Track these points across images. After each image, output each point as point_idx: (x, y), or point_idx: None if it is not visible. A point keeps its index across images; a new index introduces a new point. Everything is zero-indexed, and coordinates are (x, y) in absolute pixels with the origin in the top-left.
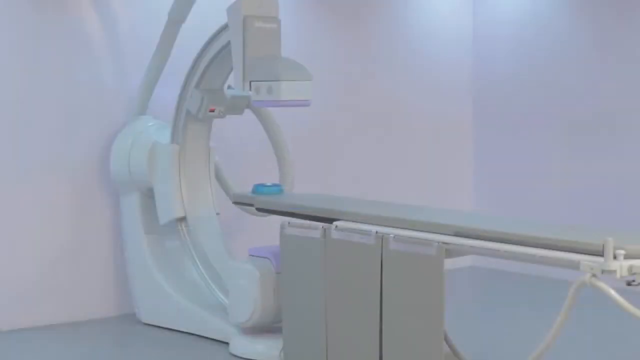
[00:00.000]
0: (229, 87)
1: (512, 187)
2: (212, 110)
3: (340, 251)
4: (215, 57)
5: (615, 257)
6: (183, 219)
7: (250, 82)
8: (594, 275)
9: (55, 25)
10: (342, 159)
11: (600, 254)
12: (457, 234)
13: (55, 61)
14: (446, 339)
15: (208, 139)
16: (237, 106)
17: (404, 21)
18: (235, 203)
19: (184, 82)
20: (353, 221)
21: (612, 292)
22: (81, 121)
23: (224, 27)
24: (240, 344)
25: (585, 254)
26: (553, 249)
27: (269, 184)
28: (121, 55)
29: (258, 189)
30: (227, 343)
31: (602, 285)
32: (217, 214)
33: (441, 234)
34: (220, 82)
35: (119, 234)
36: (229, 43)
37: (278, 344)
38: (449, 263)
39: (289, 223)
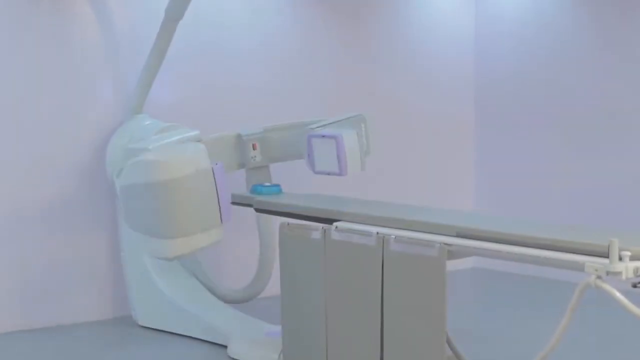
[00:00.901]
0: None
1: (514, 187)
2: (255, 147)
3: (340, 252)
4: (296, 127)
5: (620, 259)
6: None
7: (325, 126)
8: (599, 277)
9: (51, 23)
10: None
11: (605, 255)
12: (459, 235)
13: (50, 59)
14: (448, 342)
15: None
16: (261, 177)
17: (405, 19)
18: (234, 203)
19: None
20: (353, 222)
21: (618, 294)
22: (77, 120)
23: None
24: (238, 347)
25: (589, 255)
26: (557, 250)
27: (267, 184)
28: (117, 53)
29: (257, 189)
30: (225, 346)
31: (608, 287)
32: None
33: (443, 234)
34: (276, 152)
35: (116, 235)
36: (313, 122)
37: (277, 347)
38: (451, 264)
39: (288, 224)
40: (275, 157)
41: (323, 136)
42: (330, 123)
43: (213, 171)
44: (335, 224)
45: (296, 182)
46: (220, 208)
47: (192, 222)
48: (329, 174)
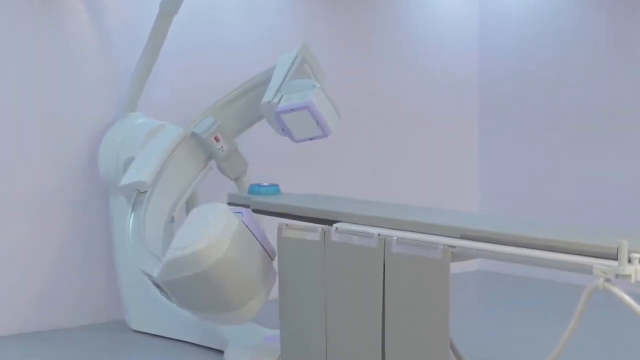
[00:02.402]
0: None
1: (520, 187)
2: (218, 140)
3: (340, 254)
4: (246, 93)
5: (630, 261)
6: (143, 195)
7: (282, 95)
8: (607, 280)
9: (44, 19)
10: (343, 159)
11: (614, 257)
12: (464, 237)
13: (42, 56)
14: (452, 347)
15: (204, 163)
16: (234, 163)
17: (407, 17)
18: (230, 204)
19: (204, 111)
20: (354, 223)
21: (627, 298)
22: (69, 118)
23: (269, 70)
24: (236, 353)
25: (598, 257)
26: (564, 253)
27: (265, 184)
28: (111, 49)
29: (254, 189)
30: (222, 352)
31: (617, 290)
32: (173, 217)
33: (447, 236)
34: (238, 125)
35: (110, 237)
36: (263, 83)
37: (275, 353)
38: (455, 267)
39: (287, 225)
40: (239, 131)
41: (293, 110)
42: (282, 84)
43: (246, 224)
44: (335, 225)
45: (295, 183)
46: (266, 251)
47: (253, 283)
48: (312, 139)
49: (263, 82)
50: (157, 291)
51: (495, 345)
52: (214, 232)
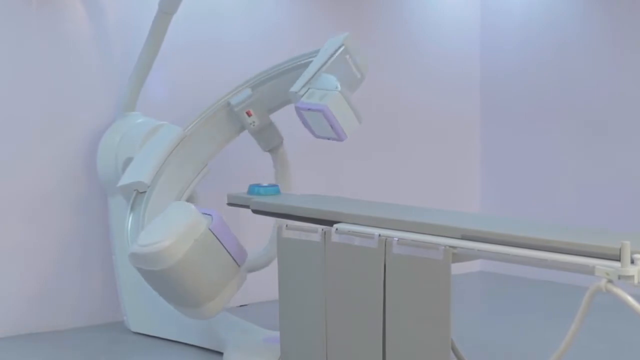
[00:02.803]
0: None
1: (522, 187)
2: (249, 114)
3: (341, 255)
4: (285, 73)
5: (632, 262)
6: (142, 194)
7: (309, 88)
8: (609, 281)
9: (42, 18)
10: (343, 159)
11: (617, 258)
12: (465, 237)
13: (39, 54)
14: (453, 349)
15: (216, 148)
16: (267, 137)
17: (408, 13)
18: (230, 204)
19: (243, 82)
20: (354, 223)
21: (630, 299)
22: (67, 118)
23: (313, 52)
24: (234, 354)
25: (600, 258)
26: (566, 253)
27: (265, 184)
28: (109, 48)
29: (254, 189)
30: (221, 353)
31: (619, 291)
32: None
33: (448, 237)
34: (272, 104)
35: (108, 237)
36: (304, 65)
37: (275, 354)
38: (456, 268)
39: (286, 226)
40: (273, 108)
41: (309, 109)
42: (314, 75)
43: (212, 231)
44: (335, 225)
45: (295, 183)
46: (232, 257)
47: (213, 285)
48: (329, 139)
49: (305, 65)
50: (155, 292)
51: (496, 346)
52: (175, 234)
